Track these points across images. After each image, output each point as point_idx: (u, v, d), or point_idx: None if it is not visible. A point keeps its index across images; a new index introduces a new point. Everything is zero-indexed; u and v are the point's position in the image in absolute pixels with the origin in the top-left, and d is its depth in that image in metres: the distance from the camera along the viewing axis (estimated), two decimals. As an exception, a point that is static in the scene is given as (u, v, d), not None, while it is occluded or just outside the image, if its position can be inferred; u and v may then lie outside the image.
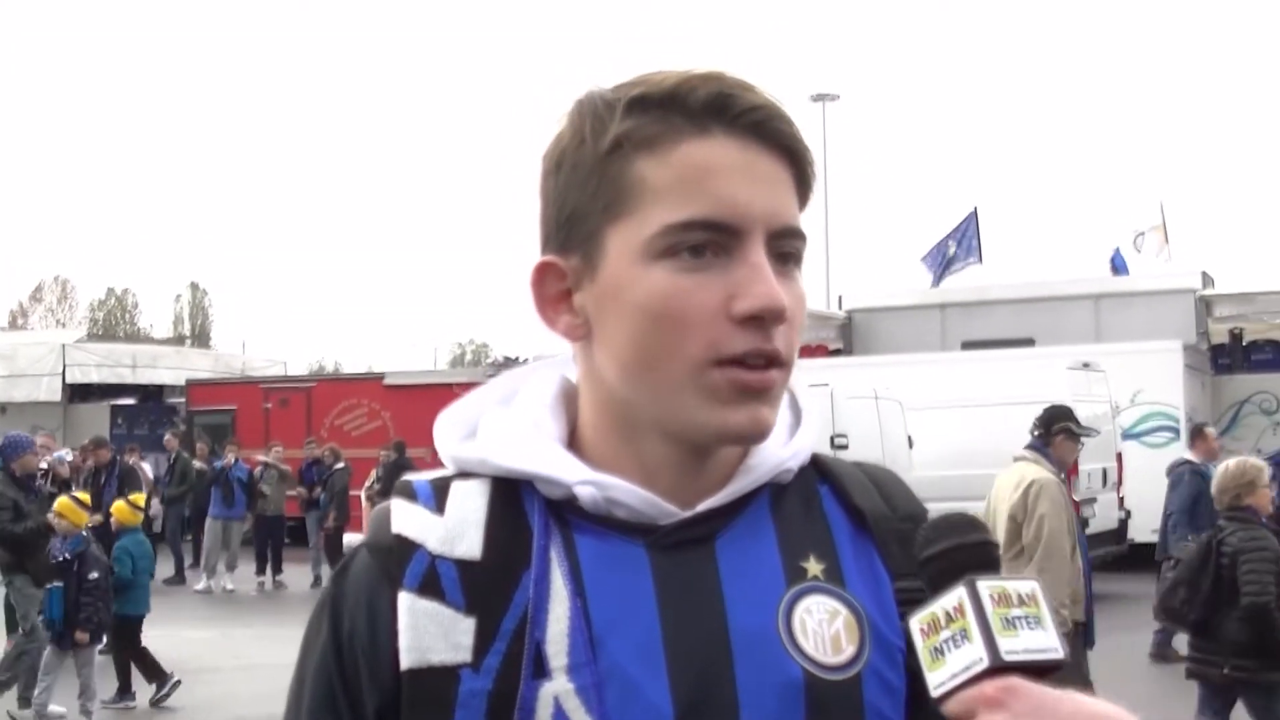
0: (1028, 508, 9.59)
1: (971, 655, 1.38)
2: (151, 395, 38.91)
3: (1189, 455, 15.54)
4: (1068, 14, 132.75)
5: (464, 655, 1.55)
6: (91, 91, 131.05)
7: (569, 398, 1.72)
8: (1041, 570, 9.26)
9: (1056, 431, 10.11)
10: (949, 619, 1.40)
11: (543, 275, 1.64)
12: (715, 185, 1.54)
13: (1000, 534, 9.61)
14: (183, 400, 35.36)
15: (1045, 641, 1.39)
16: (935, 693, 1.40)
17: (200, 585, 24.43)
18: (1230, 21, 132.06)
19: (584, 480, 1.60)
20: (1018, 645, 1.38)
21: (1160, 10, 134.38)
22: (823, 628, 1.59)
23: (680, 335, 1.53)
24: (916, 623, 1.44)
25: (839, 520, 1.69)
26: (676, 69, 1.59)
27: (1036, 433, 10.28)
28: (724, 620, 1.56)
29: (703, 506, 1.61)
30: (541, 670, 1.53)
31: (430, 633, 1.56)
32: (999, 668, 1.37)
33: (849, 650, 1.59)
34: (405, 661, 1.56)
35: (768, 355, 1.55)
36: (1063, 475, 10.01)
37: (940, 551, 1.47)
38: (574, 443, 1.67)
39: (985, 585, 1.40)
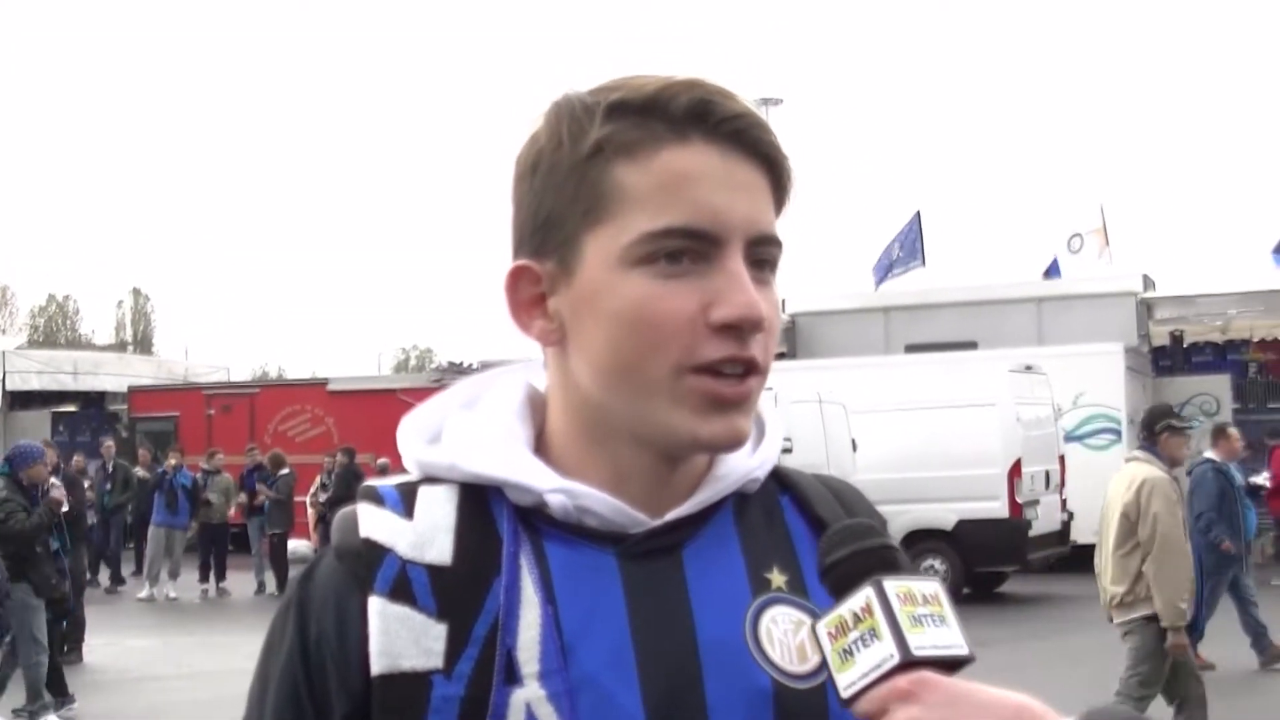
0: (1140, 506, 9.98)
1: (882, 653, 1.39)
2: (93, 402, 38.76)
3: (1210, 454, 15.64)
4: (1009, 20, 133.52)
5: (436, 661, 1.53)
6: (30, 97, 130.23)
7: (535, 404, 1.71)
8: (1160, 566, 9.77)
9: (1160, 430, 10.51)
10: (857, 620, 1.41)
11: (517, 279, 1.62)
12: (695, 193, 1.53)
13: (1112, 532, 10.08)
14: (125, 407, 35.23)
15: (951, 638, 1.41)
16: (845, 693, 1.41)
17: (143, 593, 24.32)
18: (1168, 28, 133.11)
19: (555, 488, 1.59)
20: (926, 641, 1.39)
21: (1101, 16, 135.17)
22: (788, 637, 1.59)
23: (657, 341, 1.53)
24: (824, 626, 1.44)
25: (800, 531, 1.70)
26: (656, 74, 1.58)
27: (1142, 435, 10.76)
28: (692, 630, 1.57)
29: (671, 515, 1.61)
30: (513, 677, 1.52)
31: (402, 638, 1.54)
32: (909, 663, 1.38)
33: (814, 659, 1.57)
34: (376, 667, 1.54)
35: (744, 362, 1.55)
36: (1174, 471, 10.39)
37: (842, 558, 1.47)
38: (541, 449, 1.66)
39: (891, 584, 1.41)
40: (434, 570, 1.57)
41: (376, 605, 1.56)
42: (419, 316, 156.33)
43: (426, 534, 1.59)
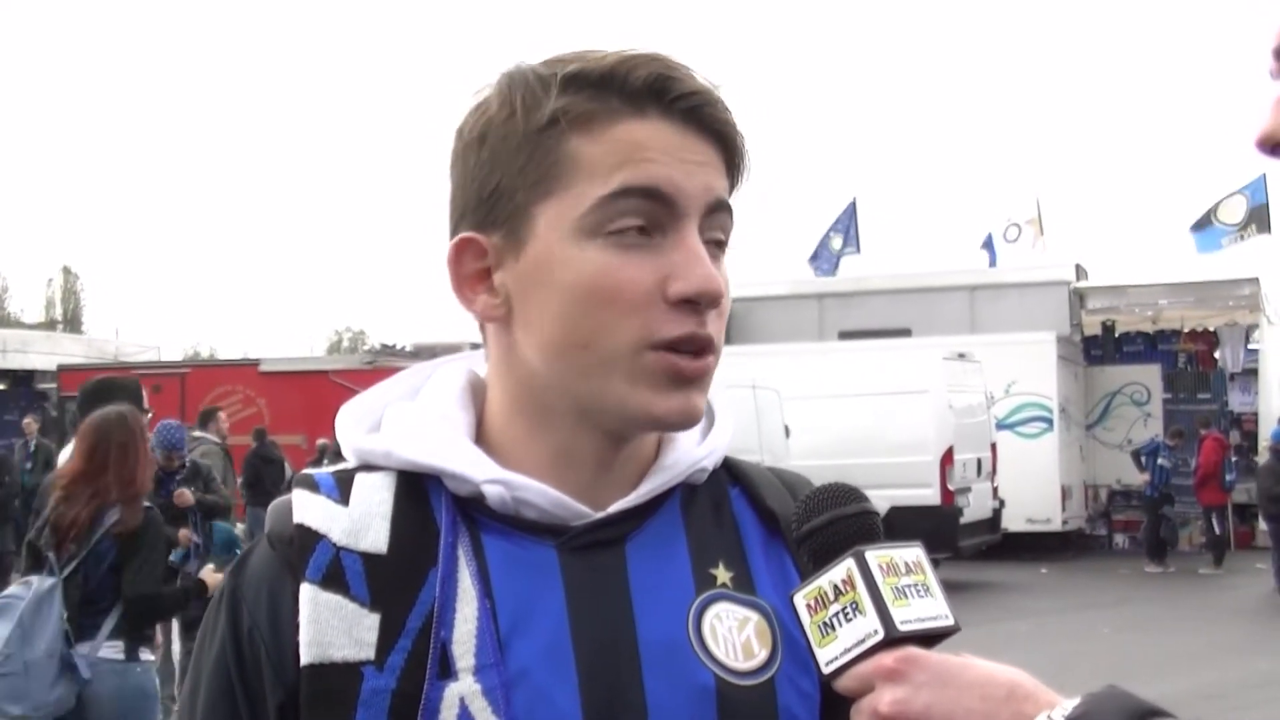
0: None
1: (865, 628, 1.36)
2: (22, 381, 38.44)
3: None
4: (944, 9, 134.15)
5: (367, 652, 1.50)
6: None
7: (477, 390, 1.67)
8: None
9: None
10: (838, 592, 1.38)
11: (461, 252, 1.58)
12: (650, 160, 1.50)
13: None
14: (54, 386, 34.98)
15: (936, 609, 1.38)
16: (827, 669, 1.38)
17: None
18: (1104, 19, 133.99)
19: (492, 479, 1.56)
20: (911, 615, 1.36)
21: (1036, 9, 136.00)
22: (733, 634, 1.56)
23: (613, 315, 1.49)
24: (802, 598, 1.41)
25: (750, 523, 1.67)
26: (614, 48, 1.55)
27: None
28: (633, 626, 1.53)
29: (615, 507, 1.58)
30: (447, 671, 1.48)
31: (333, 627, 1.51)
32: (895, 639, 1.35)
33: (761, 655, 1.56)
34: (306, 657, 1.50)
35: (701, 341, 1.52)
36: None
37: (821, 525, 1.44)
38: (481, 436, 1.63)
39: (873, 555, 1.38)
40: (368, 558, 1.54)
41: (308, 593, 1.52)
42: (352, 298, 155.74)
43: (361, 521, 1.56)
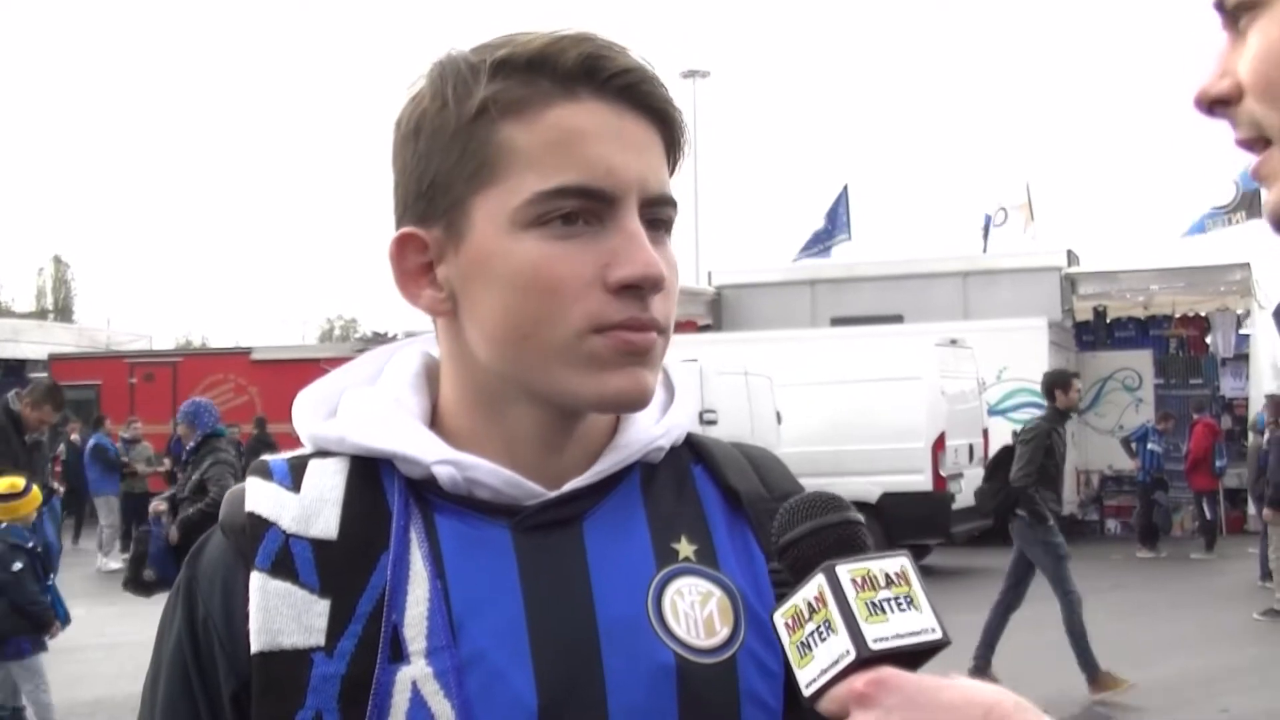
0: None
1: (838, 648, 1.29)
2: (13, 370, 38.38)
3: None
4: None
5: (317, 638, 1.49)
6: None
7: (431, 374, 1.66)
8: None
9: None
10: (812, 610, 1.31)
11: (403, 248, 1.56)
12: (587, 150, 1.48)
13: None
14: (45, 375, 34.95)
15: (919, 623, 1.30)
16: (807, 691, 1.32)
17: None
18: (1093, 8, 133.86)
19: (442, 460, 1.55)
20: (887, 631, 1.28)
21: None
22: (695, 610, 1.54)
23: (554, 305, 1.47)
24: (781, 617, 1.35)
25: (713, 500, 1.65)
26: (544, 30, 1.52)
27: None
28: (591, 605, 1.52)
29: (569, 486, 1.56)
30: (399, 654, 1.47)
31: (282, 614, 1.50)
32: (869, 658, 1.28)
33: (723, 633, 1.54)
34: (255, 644, 1.49)
35: (644, 322, 1.49)
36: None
37: (798, 536, 1.38)
38: (437, 420, 1.62)
39: (845, 569, 1.31)
40: (318, 544, 1.53)
41: (257, 581, 1.51)
42: (343, 287, 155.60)
43: (312, 507, 1.55)
